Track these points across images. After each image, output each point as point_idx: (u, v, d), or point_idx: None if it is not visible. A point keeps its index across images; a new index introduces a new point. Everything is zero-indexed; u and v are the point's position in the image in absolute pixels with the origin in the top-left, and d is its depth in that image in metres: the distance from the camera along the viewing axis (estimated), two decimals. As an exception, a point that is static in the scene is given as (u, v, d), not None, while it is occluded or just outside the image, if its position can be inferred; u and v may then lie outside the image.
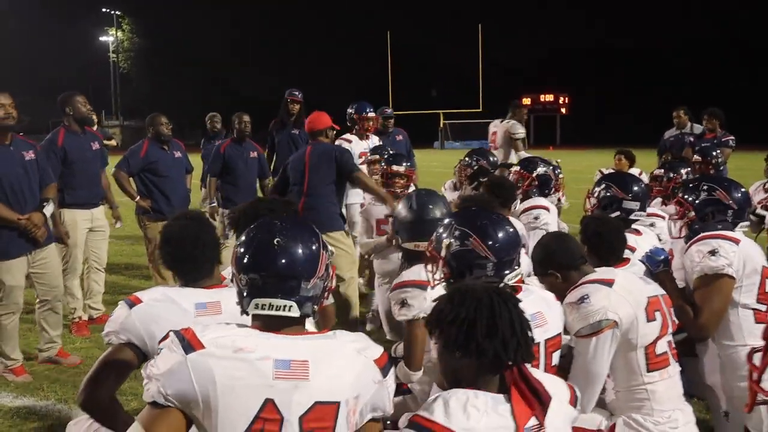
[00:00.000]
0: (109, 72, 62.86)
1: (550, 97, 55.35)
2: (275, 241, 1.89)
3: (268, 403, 1.77)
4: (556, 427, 1.91)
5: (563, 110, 55.85)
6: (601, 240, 3.09)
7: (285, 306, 1.88)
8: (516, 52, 58.26)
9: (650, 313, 2.68)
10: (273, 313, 1.88)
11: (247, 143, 7.06)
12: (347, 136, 7.11)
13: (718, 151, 6.59)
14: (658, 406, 2.65)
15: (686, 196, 3.41)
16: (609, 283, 2.68)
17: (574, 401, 2.04)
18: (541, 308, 2.54)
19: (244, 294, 1.91)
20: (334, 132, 5.77)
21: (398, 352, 3.32)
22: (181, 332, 1.81)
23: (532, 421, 1.85)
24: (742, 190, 3.38)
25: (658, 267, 3.14)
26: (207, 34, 60.16)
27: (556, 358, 2.59)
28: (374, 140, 7.20)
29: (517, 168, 5.56)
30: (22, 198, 4.57)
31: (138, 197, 6.15)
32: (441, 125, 48.61)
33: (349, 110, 7.14)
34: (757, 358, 1.41)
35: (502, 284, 2.45)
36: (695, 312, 3.08)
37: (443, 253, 2.55)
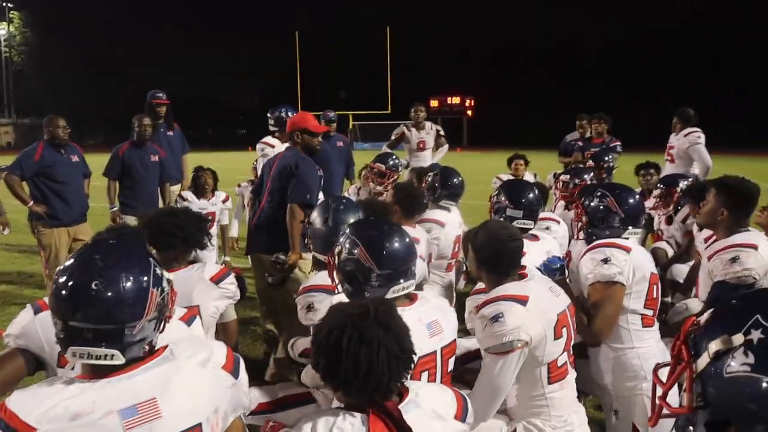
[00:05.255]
0: (0, 67, 59.61)
1: (456, 100, 56.46)
2: (93, 285, 1.67)
3: None
4: None
5: (469, 112, 57.13)
6: (491, 253, 2.86)
7: (106, 355, 1.69)
8: (424, 54, 59.06)
9: (558, 330, 2.68)
10: (94, 362, 1.70)
11: (147, 146, 6.83)
12: (268, 139, 6.59)
13: (611, 156, 6.86)
14: (555, 411, 2.72)
15: (583, 201, 3.55)
16: (523, 300, 2.63)
17: (462, 414, 2.07)
18: (437, 316, 2.56)
19: (61, 337, 1.71)
20: (316, 137, 4.87)
21: (297, 349, 3.18)
22: (2, 417, 1.60)
23: None
24: (636, 197, 3.48)
25: (554, 275, 3.19)
26: (108, 29, 57.96)
27: (451, 364, 2.62)
28: None
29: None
30: None
31: (32, 202, 5.86)
32: (350, 126, 48.72)
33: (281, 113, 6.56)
34: (663, 374, 1.45)
35: (389, 294, 2.47)
36: (589, 318, 3.18)
37: (336, 260, 2.61)
